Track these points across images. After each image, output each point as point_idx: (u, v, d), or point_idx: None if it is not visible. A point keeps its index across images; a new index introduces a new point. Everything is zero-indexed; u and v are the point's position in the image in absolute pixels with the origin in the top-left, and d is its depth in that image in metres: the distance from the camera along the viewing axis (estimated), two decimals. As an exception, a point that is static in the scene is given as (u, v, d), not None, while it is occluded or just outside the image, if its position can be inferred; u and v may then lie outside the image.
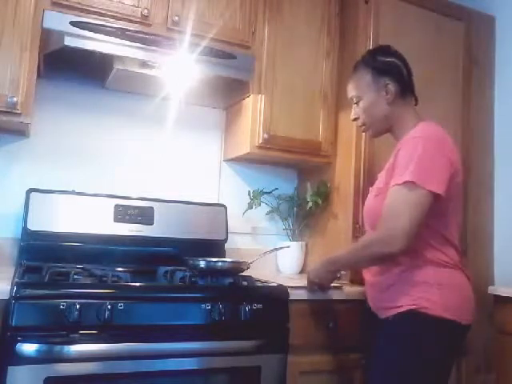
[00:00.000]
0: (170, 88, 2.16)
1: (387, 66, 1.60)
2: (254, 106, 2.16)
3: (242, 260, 1.87)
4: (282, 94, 2.19)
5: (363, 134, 2.01)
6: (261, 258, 1.90)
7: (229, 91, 2.24)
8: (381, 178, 1.63)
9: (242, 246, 2.35)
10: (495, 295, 2.16)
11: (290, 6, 2.23)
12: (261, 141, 2.14)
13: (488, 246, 2.39)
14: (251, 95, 2.17)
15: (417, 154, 1.43)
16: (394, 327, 1.49)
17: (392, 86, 1.58)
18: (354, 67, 1.70)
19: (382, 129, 1.67)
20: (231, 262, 1.90)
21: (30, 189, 1.95)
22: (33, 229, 1.90)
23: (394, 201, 1.44)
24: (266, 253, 1.93)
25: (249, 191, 2.38)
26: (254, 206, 2.34)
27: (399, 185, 1.43)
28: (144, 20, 1.94)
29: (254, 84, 2.15)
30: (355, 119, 1.68)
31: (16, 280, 1.46)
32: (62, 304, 1.39)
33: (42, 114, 2.08)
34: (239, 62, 2.05)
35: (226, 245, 2.23)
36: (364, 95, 1.62)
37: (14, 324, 1.35)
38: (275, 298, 1.70)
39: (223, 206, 2.29)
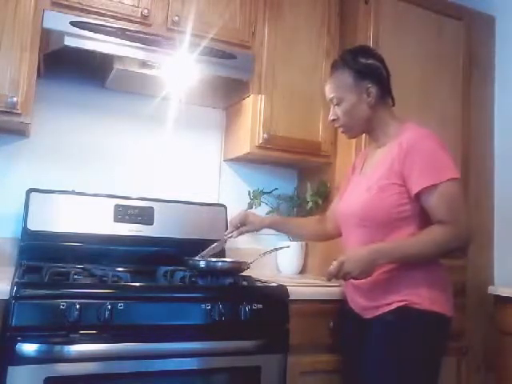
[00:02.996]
0: (170, 88, 2.16)
1: (368, 68, 1.59)
2: (254, 106, 2.16)
3: (241, 260, 1.87)
4: (282, 93, 2.19)
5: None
6: (261, 257, 1.90)
7: (229, 91, 2.24)
8: (374, 175, 1.57)
9: (241, 246, 2.35)
10: (495, 295, 2.17)
11: (289, 6, 2.23)
12: (261, 141, 2.14)
13: (488, 246, 2.39)
14: (251, 95, 2.17)
15: (440, 152, 1.49)
16: (384, 325, 1.50)
17: (373, 89, 1.58)
18: (332, 66, 1.67)
19: (362, 131, 1.68)
20: (231, 261, 1.91)
21: (30, 189, 1.95)
22: (33, 229, 1.90)
23: (455, 197, 1.47)
24: (265, 253, 1.92)
25: (249, 191, 2.38)
26: (253, 206, 2.34)
27: (445, 182, 1.45)
28: (144, 20, 1.94)
29: (254, 84, 2.15)
30: (333, 120, 1.66)
31: (16, 280, 1.46)
32: (62, 304, 1.39)
33: (42, 114, 2.07)
34: (239, 62, 2.05)
35: (225, 245, 2.23)
36: (345, 97, 1.60)
37: (14, 324, 1.35)
38: (275, 298, 1.69)
39: (223, 206, 2.29)
